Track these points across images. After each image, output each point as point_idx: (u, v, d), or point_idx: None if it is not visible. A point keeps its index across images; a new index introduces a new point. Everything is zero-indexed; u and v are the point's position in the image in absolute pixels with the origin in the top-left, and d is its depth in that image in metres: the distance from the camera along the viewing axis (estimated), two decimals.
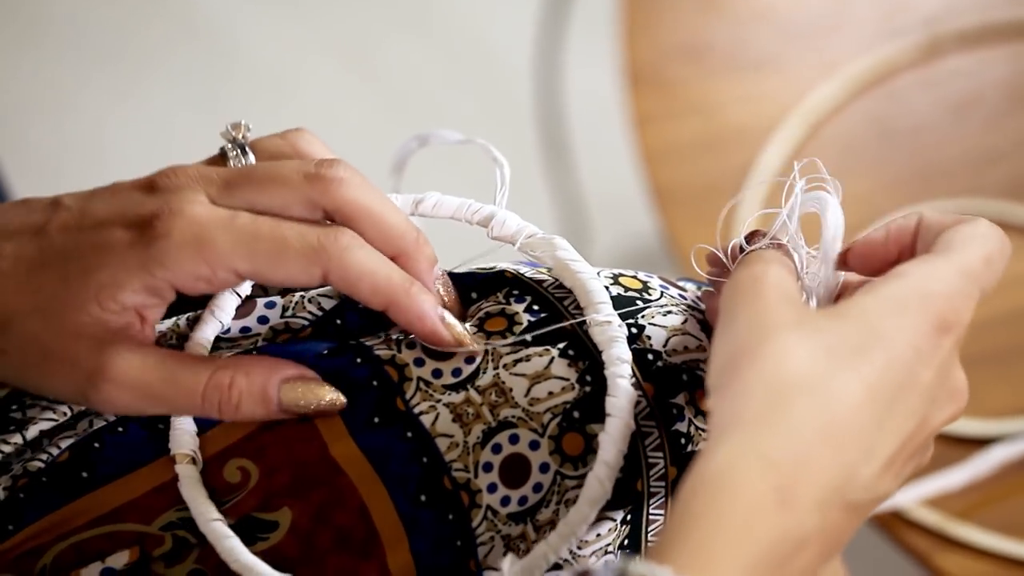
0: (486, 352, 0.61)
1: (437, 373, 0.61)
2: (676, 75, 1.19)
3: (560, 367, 0.61)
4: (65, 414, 0.63)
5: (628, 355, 0.60)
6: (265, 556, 0.60)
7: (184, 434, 0.61)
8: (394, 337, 0.62)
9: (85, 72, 2.00)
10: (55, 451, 0.62)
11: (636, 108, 1.16)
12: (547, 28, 1.75)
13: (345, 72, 2.00)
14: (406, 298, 0.60)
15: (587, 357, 0.61)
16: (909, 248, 0.60)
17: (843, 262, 0.61)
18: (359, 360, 0.62)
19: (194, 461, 0.61)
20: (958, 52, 1.20)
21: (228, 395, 0.60)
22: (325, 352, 0.62)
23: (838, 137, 1.16)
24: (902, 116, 1.17)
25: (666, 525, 0.52)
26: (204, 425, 0.62)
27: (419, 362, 0.62)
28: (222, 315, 0.64)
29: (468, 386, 0.61)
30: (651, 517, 0.62)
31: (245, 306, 0.65)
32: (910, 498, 0.95)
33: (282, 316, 0.64)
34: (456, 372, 0.61)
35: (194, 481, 0.61)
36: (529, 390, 0.61)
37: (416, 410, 0.61)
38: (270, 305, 0.64)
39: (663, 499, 0.62)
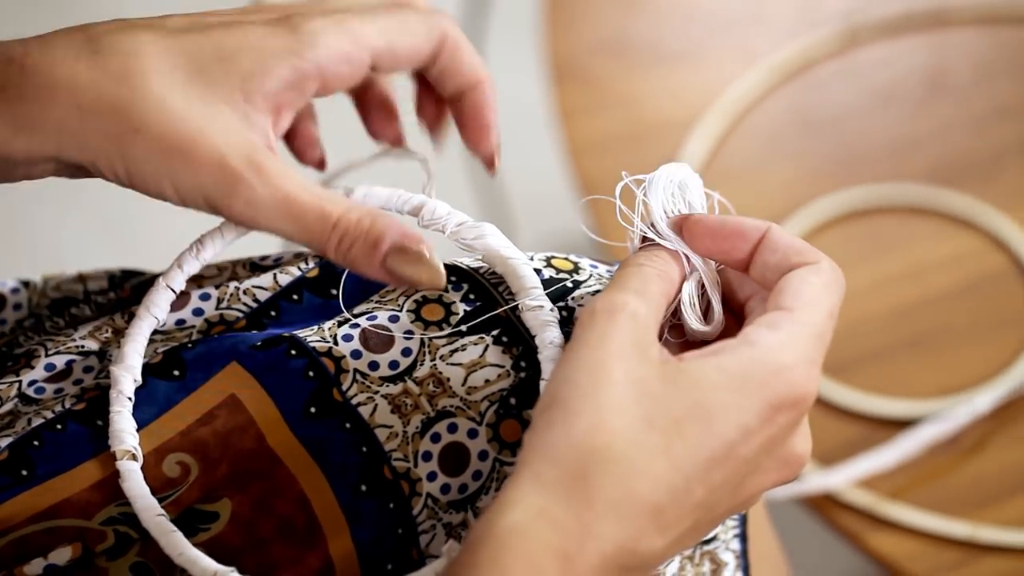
0: (422, 344, 0.61)
1: (374, 365, 0.61)
2: (599, 69, 1.19)
3: (495, 354, 0.61)
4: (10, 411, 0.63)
5: (560, 338, 0.60)
6: (208, 546, 0.60)
7: (123, 432, 0.61)
8: (327, 328, 0.62)
9: None
10: None
11: (561, 103, 1.16)
12: (466, 30, 1.75)
13: None
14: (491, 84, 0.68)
15: (521, 343, 0.62)
16: (748, 254, 0.58)
17: (689, 233, 0.59)
18: (293, 352, 0.62)
19: (135, 457, 0.61)
20: (877, 42, 1.21)
21: (351, 234, 0.60)
22: (259, 343, 0.62)
23: (760, 127, 1.16)
24: (823, 105, 1.18)
25: (451, 566, 0.52)
26: (139, 421, 0.62)
27: (356, 354, 0.61)
28: (157, 311, 0.64)
29: (406, 378, 0.61)
30: None
31: (179, 299, 0.64)
32: (841, 480, 0.96)
33: (216, 308, 0.64)
34: (393, 364, 0.61)
35: (136, 475, 0.60)
36: (466, 379, 0.61)
37: (354, 401, 0.61)
38: (204, 297, 0.64)
39: None
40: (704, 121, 1.15)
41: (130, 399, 0.62)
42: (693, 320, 0.58)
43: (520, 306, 0.61)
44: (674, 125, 1.16)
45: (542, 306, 0.61)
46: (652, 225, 0.59)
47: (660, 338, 0.57)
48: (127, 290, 0.68)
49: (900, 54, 1.21)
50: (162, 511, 0.60)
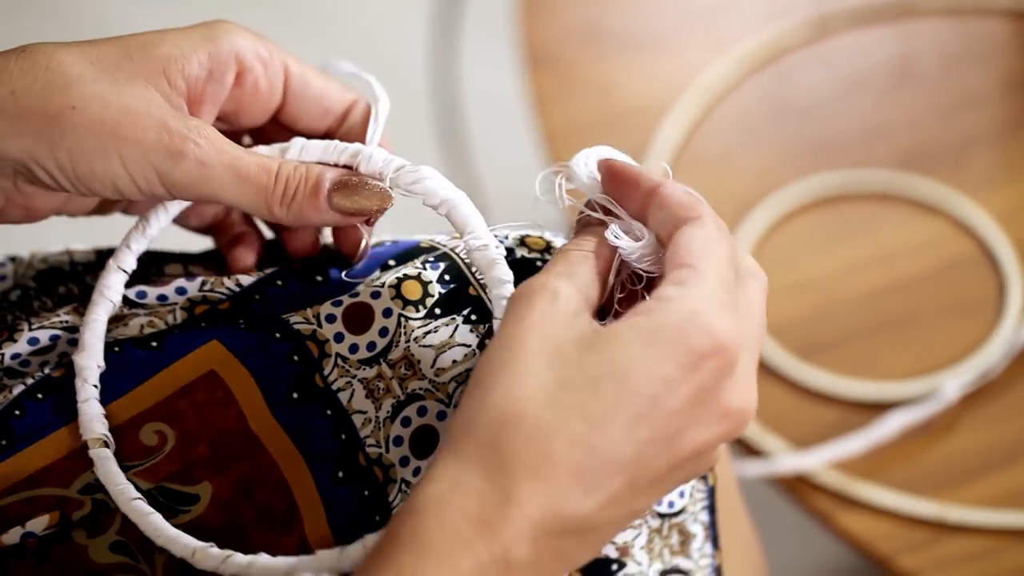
0: (399, 324, 0.62)
1: (354, 348, 0.62)
2: (573, 56, 1.20)
3: (463, 334, 0.62)
4: None
5: (509, 275, 0.60)
6: (188, 527, 0.60)
7: (92, 419, 0.61)
8: (311, 312, 0.63)
9: None
10: None
11: (535, 90, 1.17)
12: (441, 21, 1.75)
13: None
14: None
15: (488, 320, 0.62)
16: (641, 204, 0.58)
17: (602, 177, 0.60)
18: (278, 335, 0.62)
19: (107, 444, 0.61)
20: (847, 30, 1.22)
21: (293, 180, 0.61)
22: (243, 324, 0.63)
23: (733, 114, 1.17)
24: (795, 93, 1.19)
25: (376, 545, 0.53)
26: (117, 391, 0.62)
27: (338, 337, 0.62)
28: (111, 294, 0.64)
29: (380, 360, 0.62)
30: None
31: (164, 278, 0.65)
32: (813, 462, 0.97)
33: (200, 289, 0.64)
34: (371, 346, 0.62)
35: (110, 463, 0.61)
36: (435, 360, 0.61)
37: (334, 387, 0.61)
38: (190, 277, 0.65)
39: None
40: (677, 108, 1.16)
41: (95, 386, 0.62)
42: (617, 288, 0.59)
43: (464, 244, 0.61)
44: (647, 112, 1.16)
45: (486, 244, 0.60)
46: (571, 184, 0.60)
47: (610, 314, 0.58)
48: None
49: (869, 43, 1.22)
50: (139, 495, 0.60)
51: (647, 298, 0.55)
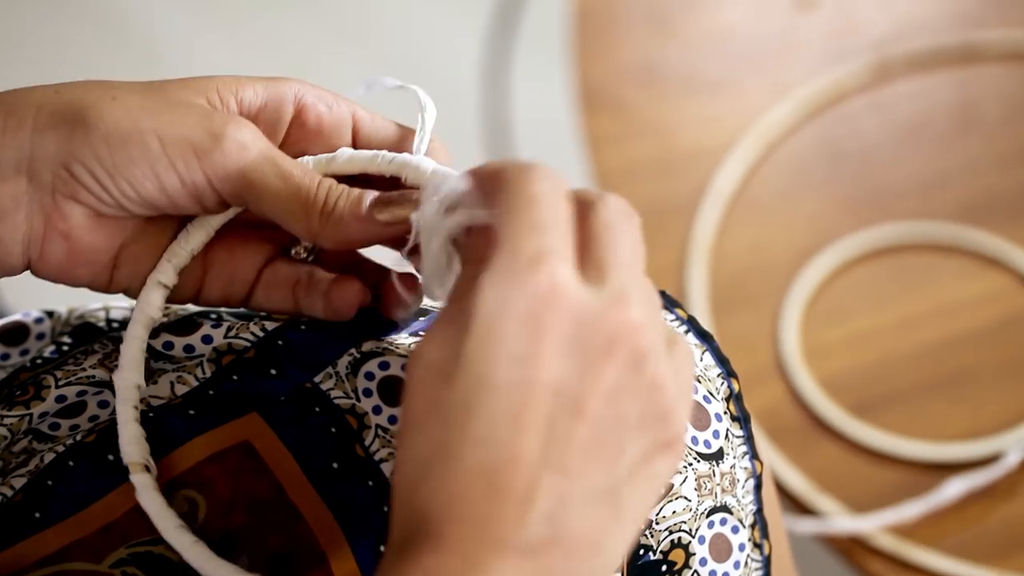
0: None
1: (393, 419, 0.60)
2: (630, 97, 1.19)
3: None
4: (6, 437, 0.62)
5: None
6: None
7: (132, 442, 0.60)
8: (344, 373, 0.61)
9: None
10: (8, 492, 0.61)
11: (591, 130, 1.15)
12: (493, 46, 1.74)
13: None
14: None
15: None
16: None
17: None
18: (317, 409, 0.61)
19: (147, 469, 0.59)
20: (907, 76, 1.21)
21: (335, 193, 0.59)
22: (283, 399, 0.61)
23: (790, 159, 1.16)
24: (852, 138, 1.17)
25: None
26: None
27: (377, 410, 0.61)
28: (151, 310, 0.62)
29: None
30: None
31: (190, 327, 0.63)
32: (869, 524, 0.95)
33: (225, 337, 0.63)
34: None
35: (151, 490, 0.59)
36: None
37: (376, 457, 0.60)
38: (216, 325, 0.63)
39: None
40: (735, 151, 1.15)
41: (136, 408, 0.61)
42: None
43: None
44: (705, 155, 1.15)
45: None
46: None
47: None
48: None
49: (930, 89, 1.20)
50: (182, 523, 0.59)
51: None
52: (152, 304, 0.62)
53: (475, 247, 0.50)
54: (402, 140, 0.64)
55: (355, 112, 0.63)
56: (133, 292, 0.62)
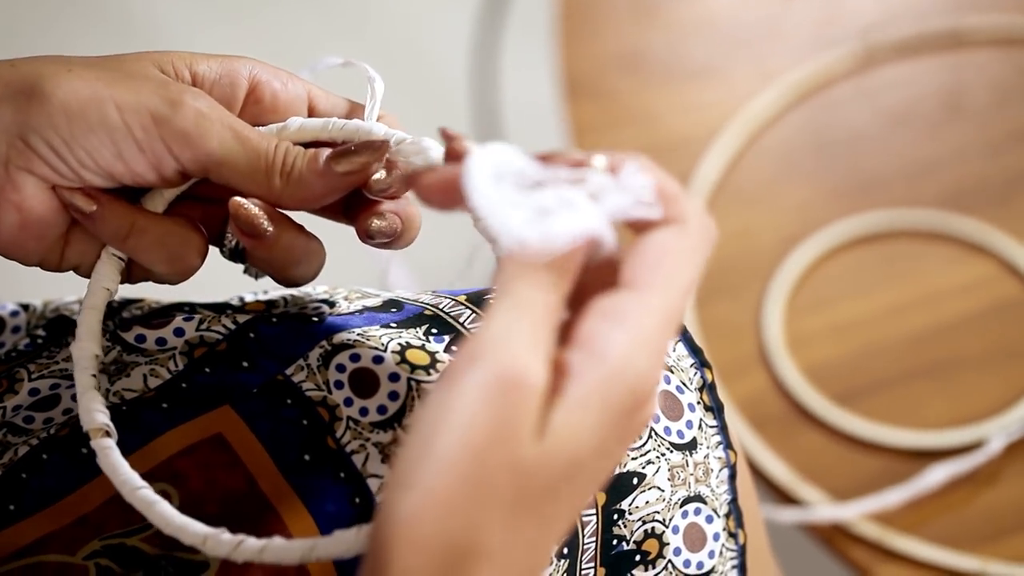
0: (409, 388, 0.60)
1: (364, 411, 0.60)
2: (614, 85, 1.18)
3: None
4: None
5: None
6: None
7: (93, 411, 0.59)
8: (315, 365, 0.61)
9: None
10: None
11: (575, 118, 1.15)
12: (483, 33, 1.74)
13: None
14: None
15: None
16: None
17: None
18: (289, 401, 0.61)
19: (108, 434, 0.59)
20: (894, 62, 1.20)
21: (292, 153, 0.59)
22: (255, 391, 0.61)
23: (776, 146, 1.16)
24: (839, 126, 1.17)
25: None
26: (123, 451, 0.60)
27: (348, 402, 0.61)
28: (107, 282, 0.62)
29: (395, 424, 0.60)
30: (584, 546, 0.61)
31: (162, 320, 0.63)
32: (851, 512, 0.95)
33: (197, 329, 0.63)
34: (381, 409, 0.60)
35: (112, 452, 0.58)
36: None
37: (348, 448, 0.60)
38: (188, 318, 0.63)
39: (595, 527, 0.61)
40: (720, 139, 1.14)
41: (94, 376, 0.60)
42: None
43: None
44: (690, 142, 1.15)
45: None
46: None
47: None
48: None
49: (917, 75, 1.20)
50: (144, 484, 0.58)
51: (576, 334, 0.47)
52: (107, 276, 0.62)
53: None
54: (356, 116, 0.64)
55: (310, 90, 0.63)
56: (83, 270, 0.62)
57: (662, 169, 0.50)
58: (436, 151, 0.60)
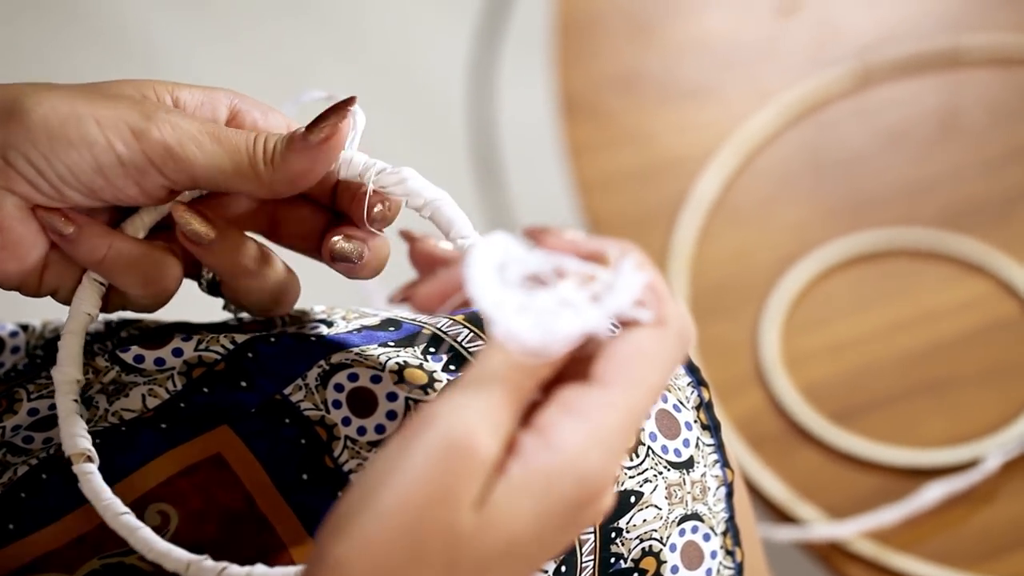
0: (407, 407, 0.61)
1: (361, 430, 0.61)
2: (610, 105, 1.19)
3: None
4: None
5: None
6: None
7: (75, 436, 0.59)
8: (313, 385, 0.62)
9: None
10: None
11: (571, 138, 1.15)
12: (480, 53, 1.74)
13: (275, 97, 1.98)
14: None
15: None
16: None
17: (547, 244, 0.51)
18: (287, 420, 0.61)
19: (91, 459, 0.59)
20: (890, 81, 1.20)
21: (269, 142, 0.59)
22: (253, 411, 0.61)
23: (772, 166, 1.16)
24: (835, 145, 1.17)
25: None
26: (123, 471, 0.61)
27: (346, 421, 0.61)
28: (86, 306, 0.62)
29: None
30: (583, 565, 0.62)
31: (160, 340, 0.64)
32: (848, 530, 0.95)
33: (195, 349, 0.63)
34: (379, 428, 0.61)
35: (94, 477, 0.59)
36: None
37: (345, 468, 0.60)
38: (186, 339, 0.64)
39: (593, 545, 0.61)
40: (717, 158, 1.15)
41: (76, 400, 0.60)
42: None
43: (456, 246, 0.58)
44: (686, 162, 1.15)
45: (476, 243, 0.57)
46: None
47: None
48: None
49: (913, 94, 1.20)
50: (127, 510, 0.58)
51: (536, 419, 0.48)
52: (87, 301, 0.62)
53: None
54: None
55: (288, 124, 0.64)
56: (62, 295, 0.62)
57: (653, 266, 0.50)
58: (414, 180, 0.60)
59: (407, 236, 0.58)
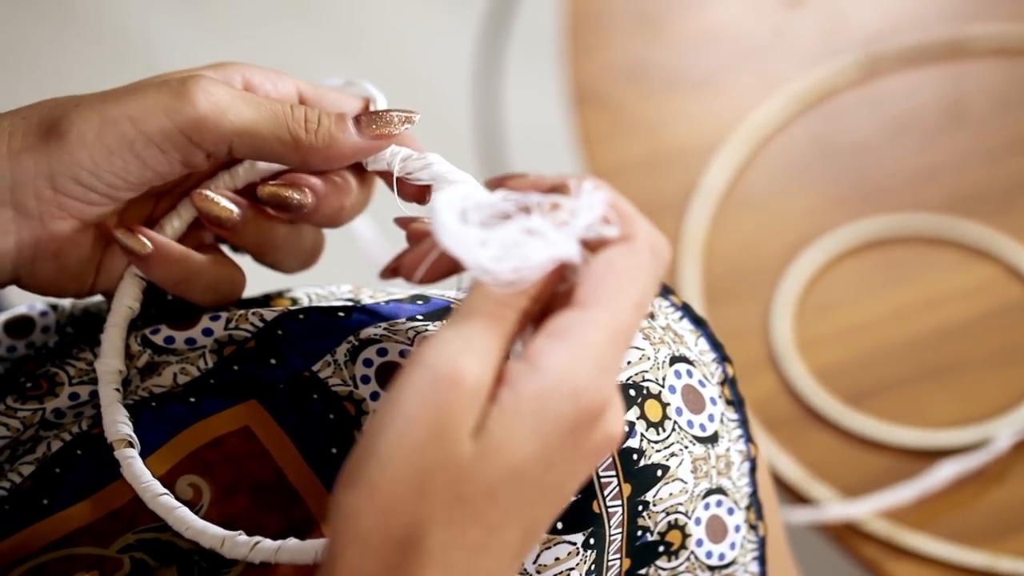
0: None
1: None
2: (621, 96, 1.19)
3: None
4: (19, 430, 0.63)
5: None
6: None
7: (116, 423, 0.61)
8: (342, 361, 0.62)
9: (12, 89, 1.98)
10: (17, 479, 0.62)
11: (582, 128, 1.16)
12: (485, 52, 1.75)
13: None
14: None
15: None
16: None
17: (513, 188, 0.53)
18: (315, 396, 0.62)
19: (131, 444, 0.61)
20: (897, 71, 1.21)
21: (312, 114, 0.61)
22: (282, 386, 0.63)
23: (781, 155, 1.17)
24: (843, 134, 1.18)
25: None
26: (155, 444, 0.62)
27: (375, 396, 0.62)
28: (128, 300, 0.64)
29: None
30: (611, 538, 0.62)
31: (190, 320, 0.65)
32: (861, 510, 0.96)
33: (225, 328, 0.64)
34: None
35: (135, 462, 0.61)
36: None
37: None
38: (215, 318, 0.64)
39: (621, 518, 0.62)
40: (726, 148, 1.16)
41: (117, 389, 0.62)
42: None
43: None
44: (696, 152, 1.16)
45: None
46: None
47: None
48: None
49: (919, 84, 1.21)
50: (165, 491, 0.60)
51: (525, 350, 0.49)
52: (129, 295, 0.64)
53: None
54: (345, 105, 0.66)
55: (299, 86, 0.65)
56: (110, 292, 0.65)
57: (614, 188, 0.52)
58: (439, 165, 0.62)
59: (402, 221, 0.59)
